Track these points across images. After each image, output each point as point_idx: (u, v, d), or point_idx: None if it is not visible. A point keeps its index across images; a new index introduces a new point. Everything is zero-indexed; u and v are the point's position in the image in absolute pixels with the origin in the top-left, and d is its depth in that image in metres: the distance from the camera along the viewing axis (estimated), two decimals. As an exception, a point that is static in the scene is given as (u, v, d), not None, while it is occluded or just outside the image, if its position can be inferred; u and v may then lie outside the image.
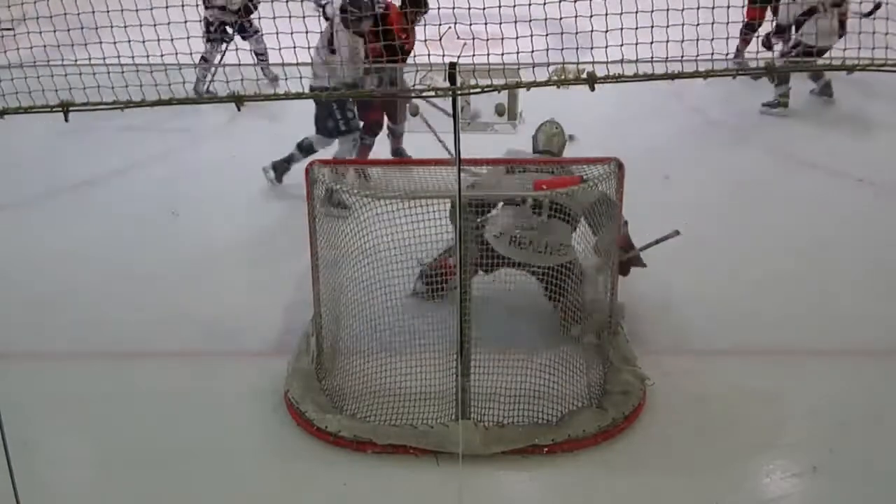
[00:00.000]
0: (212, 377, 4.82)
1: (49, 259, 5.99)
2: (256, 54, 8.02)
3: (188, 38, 3.62)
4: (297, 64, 3.43)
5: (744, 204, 6.55)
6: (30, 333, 5.21)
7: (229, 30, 8.39)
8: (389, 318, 4.85)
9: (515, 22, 3.54)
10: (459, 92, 3.28)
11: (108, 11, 4.08)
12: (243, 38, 8.41)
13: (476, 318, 4.26)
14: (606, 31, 3.51)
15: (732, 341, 5.04)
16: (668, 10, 3.47)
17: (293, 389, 4.51)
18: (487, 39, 3.38)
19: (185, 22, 3.72)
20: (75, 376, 4.86)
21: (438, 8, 3.49)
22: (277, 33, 3.55)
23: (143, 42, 3.78)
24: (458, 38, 3.79)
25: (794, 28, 7.84)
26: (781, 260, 5.79)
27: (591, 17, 3.49)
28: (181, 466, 4.22)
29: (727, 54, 3.23)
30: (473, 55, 3.39)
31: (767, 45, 7.86)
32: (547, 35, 3.42)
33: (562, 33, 3.66)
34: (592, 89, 3.09)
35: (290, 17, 3.73)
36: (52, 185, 7.09)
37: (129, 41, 3.72)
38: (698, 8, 3.51)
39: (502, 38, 3.53)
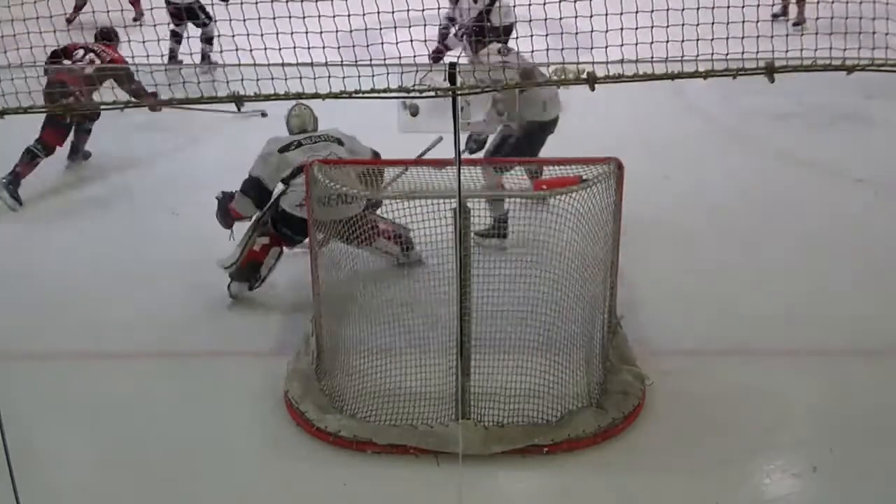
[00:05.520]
0: (212, 377, 4.82)
1: (49, 259, 5.99)
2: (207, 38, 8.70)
3: (188, 38, 3.62)
4: (298, 64, 3.43)
5: (743, 204, 6.55)
6: (30, 333, 5.21)
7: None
8: (389, 318, 4.85)
9: (515, 22, 3.54)
10: (459, 92, 3.28)
11: (107, 12, 4.09)
12: (196, 25, 8.77)
13: (476, 318, 4.26)
14: (606, 31, 3.51)
15: (732, 341, 5.04)
16: (668, 10, 3.47)
17: (293, 389, 4.51)
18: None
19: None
20: (75, 376, 4.86)
21: (438, 8, 3.50)
22: (277, 34, 3.55)
23: (143, 42, 3.79)
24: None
25: None
26: (781, 260, 5.79)
27: (591, 17, 3.49)
28: (181, 466, 4.22)
29: (727, 54, 3.23)
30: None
31: None
32: (547, 35, 3.42)
33: (562, 33, 3.66)
34: (592, 89, 3.09)
35: (289, 17, 3.73)
36: (52, 185, 7.09)
37: (129, 41, 3.73)
38: (698, 8, 3.51)
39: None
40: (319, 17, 3.68)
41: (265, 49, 3.49)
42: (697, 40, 3.29)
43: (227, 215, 5.62)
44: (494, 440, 4.18)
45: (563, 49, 3.65)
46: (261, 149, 5.51)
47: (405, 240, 5.26)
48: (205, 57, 8.90)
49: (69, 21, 8.66)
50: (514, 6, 6.16)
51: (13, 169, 6.81)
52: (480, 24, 7.19)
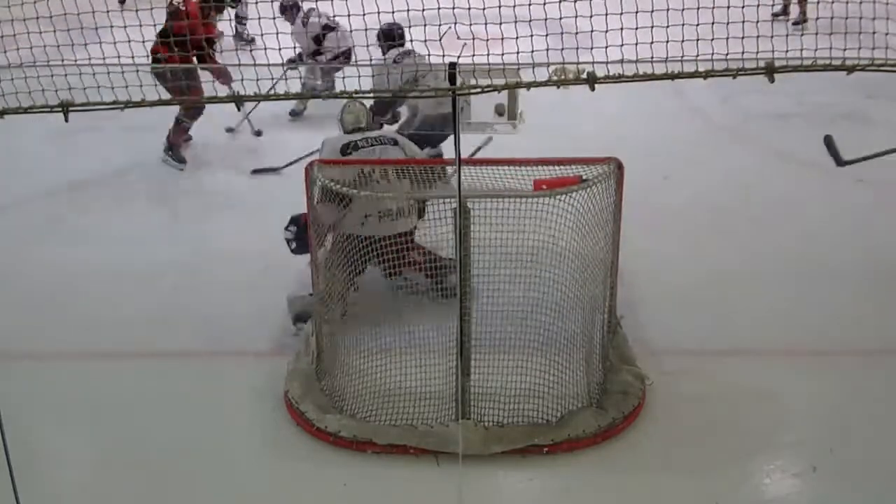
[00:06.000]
0: (212, 377, 4.82)
1: (49, 259, 5.99)
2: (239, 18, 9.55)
3: (188, 37, 3.62)
4: (297, 64, 3.43)
5: (743, 204, 6.56)
6: (30, 333, 5.21)
7: None
8: (389, 318, 4.85)
9: (515, 22, 3.54)
10: (459, 92, 3.28)
11: (108, 11, 4.10)
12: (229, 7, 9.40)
13: (476, 318, 4.26)
14: (606, 31, 3.51)
15: (732, 341, 5.04)
16: (668, 10, 3.47)
17: (293, 389, 4.51)
18: (487, 39, 3.38)
19: (186, 22, 3.72)
20: (75, 376, 4.86)
21: (438, 8, 3.49)
22: (278, 33, 3.55)
23: (143, 42, 3.79)
24: (458, 38, 3.79)
25: None
26: (781, 260, 5.79)
27: (591, 17, 3.49)
28: (181, 466, 4.22)
29: (727, 54, 3.23)
30: (473, 55, 3.39)
31: None
32: (547, 35, 3.41)
33: (562, 33, 3.66)
34: (592, 89, 3.09)
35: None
36: (52, 185, 7.10)
37: (129, 41, 3.72)
38: (698, 8, 3.51)
39: (502, 38, 3.53)
40: (319, 17, 3.67)
41: (265, 49, 3.50)
42: (697, 40, 3.29)
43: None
44: (494, 440, 4.18)
45: (563, 49, 3.65)
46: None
47: (437, 271, 4.93)
48: (239, 35, 9.78)
49: (122, 1, 8.81)
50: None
51: (168, 141, 7.51)
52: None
